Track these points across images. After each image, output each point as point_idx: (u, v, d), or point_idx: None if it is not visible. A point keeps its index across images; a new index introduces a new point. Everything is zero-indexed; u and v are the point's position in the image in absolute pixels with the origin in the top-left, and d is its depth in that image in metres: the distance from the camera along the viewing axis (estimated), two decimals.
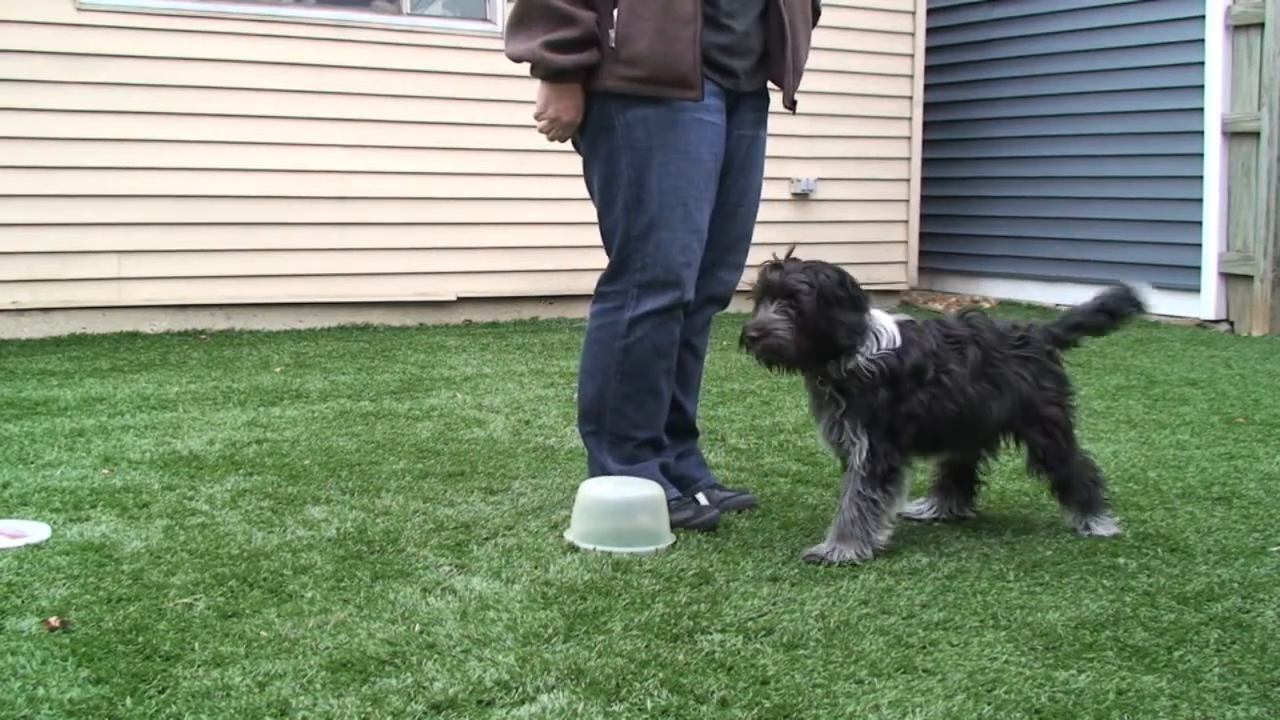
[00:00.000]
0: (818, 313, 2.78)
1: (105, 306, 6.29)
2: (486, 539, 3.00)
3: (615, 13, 2.94)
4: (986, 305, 8.59)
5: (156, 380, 5.07)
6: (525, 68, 3.01)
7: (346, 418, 4.43)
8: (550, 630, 2.40)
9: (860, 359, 2.83)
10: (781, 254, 2.90)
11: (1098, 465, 3.18)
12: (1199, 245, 7.51)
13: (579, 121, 3.06)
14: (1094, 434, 4.30)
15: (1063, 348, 3.13)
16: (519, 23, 3.00)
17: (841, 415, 2.87)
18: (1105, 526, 3.08)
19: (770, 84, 3.22)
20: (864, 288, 2.93)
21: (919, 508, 3.25)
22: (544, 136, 3.13)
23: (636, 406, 3.14)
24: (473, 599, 2.57)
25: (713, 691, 2.13)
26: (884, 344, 2.85)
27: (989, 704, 2.10)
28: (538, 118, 3.08)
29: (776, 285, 2.81)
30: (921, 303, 8.69)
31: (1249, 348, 6.58)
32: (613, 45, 2.96)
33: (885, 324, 2.89)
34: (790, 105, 3.24)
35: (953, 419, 2.91)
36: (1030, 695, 2.14)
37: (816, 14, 3.33)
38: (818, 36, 3.38)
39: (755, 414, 4.64)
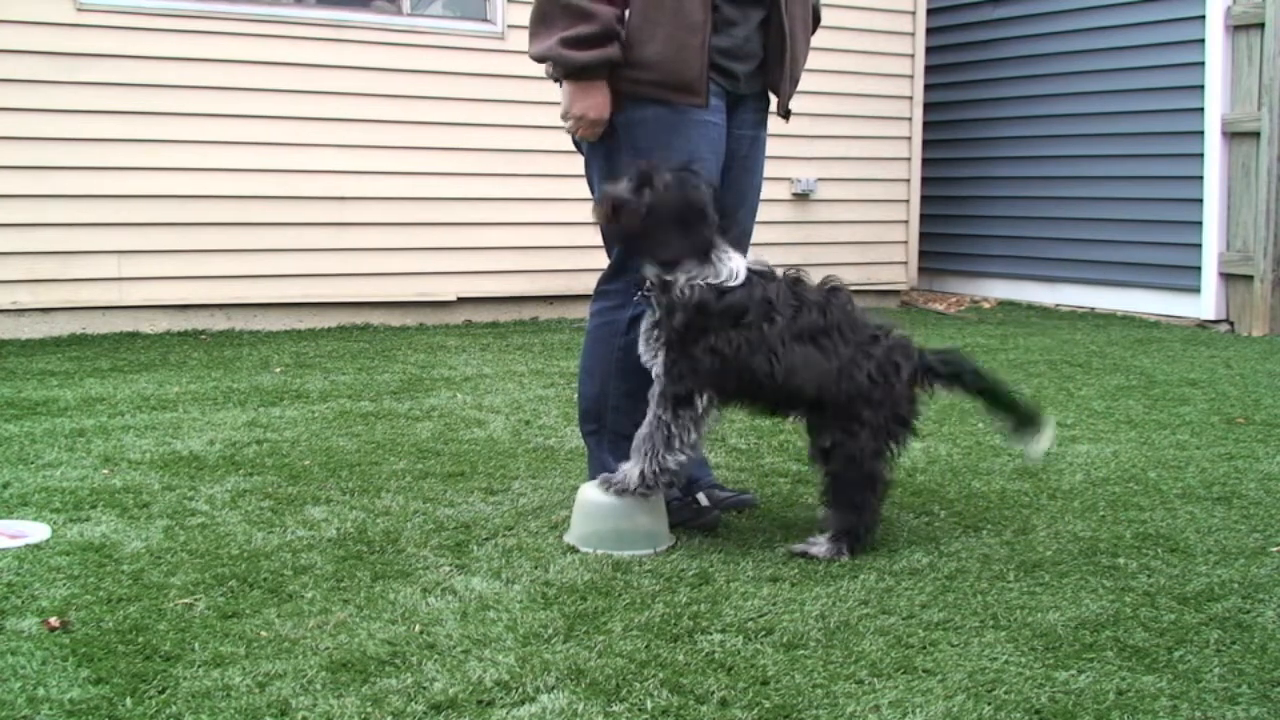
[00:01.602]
0: (648, 213, 2.80)
1: (105, 306, 6.29)
2: (486, 539, 3.00)
3: (627, 13, 2.94)
4: (986, 305, 8.59)
5: (156, 380, 5.07)
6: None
7: (346, 418, 4.43)
8: (550, 630, 2.40)
9: (680, 278, 2.83)
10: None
11: (878, 505, 2.95)
12: (1199, 245, 7.51)
13: (606, 118, 3.00)
14: (1094, 434, 4.31)
15: (924, 373, 2.96)
16: (539, 22, 2.97)
17: (653, 324, 2.89)
18: (827, 549, 2.88)
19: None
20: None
21: None
22: (569, 136, 3.08)
23: (637, 405, 3.13)
24: (473, 599, 2.57)
25: (713, 691, 2.13)
26: (721, 278, 2.83)
27: (989, 704, 2.10)
28: (564, 117, 3.03)
29: (645, 171, 2.84)
30: (921, 302, 8.69)
31: (1249, 348, 6.58)
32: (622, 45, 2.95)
33: (736, 265, 2.85)
34: (784, 115, 3.25)
35: (760, 369, 2.82)
36: (1030, 695, 2.14)
37: (816, 21, 3.33)
38: (818, 36, 3.39)
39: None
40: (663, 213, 2.81)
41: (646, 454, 2.89)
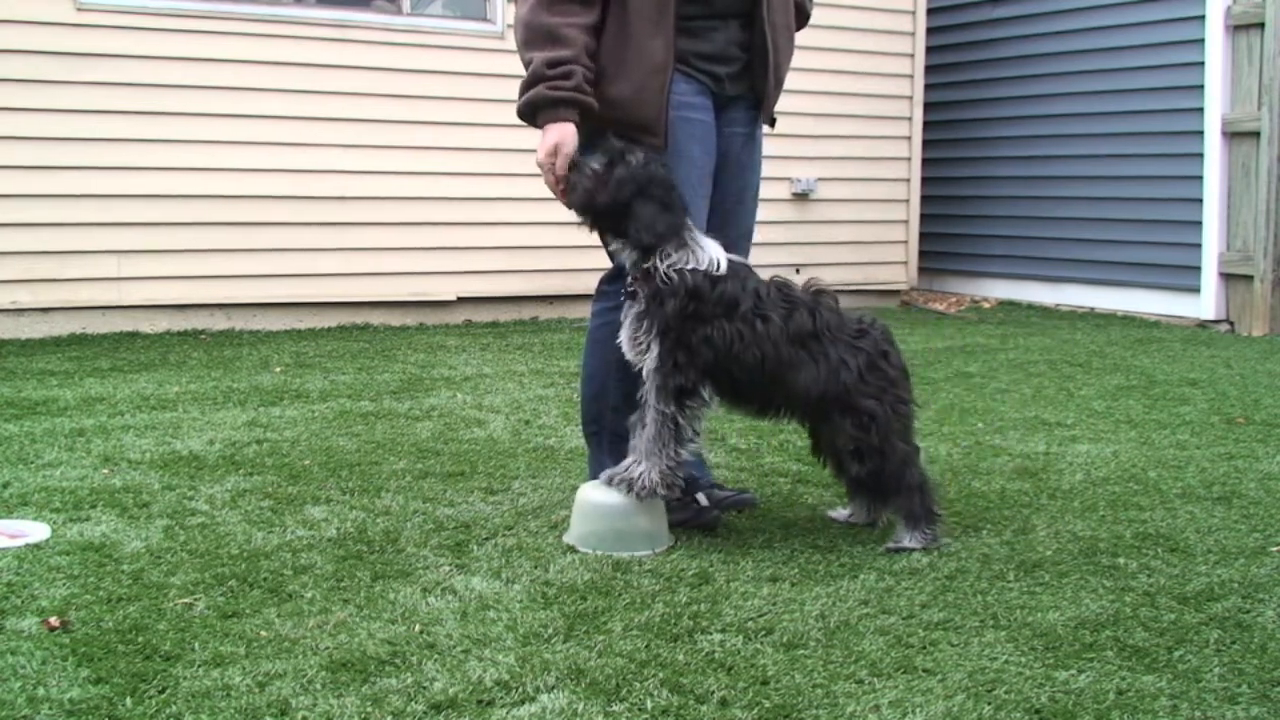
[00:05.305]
0: (620, 186, 2.78)
1: (105, 306, 6.29)
2: (486, 539, 3.00)
3: (601, 42, 2.94)
4: (987, 305, 8.59)
5: (156, 380, 5.07)
6: (524, 70, 2.99)
7: (346, 418, 4.43)
8: (550, 630, 2.40)
9: (660, 264, 2.81)
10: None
11: (927, 475, 3.03)
12: (1199, 245, 7.51)
13: (567, 151, 2.90)
14: (1094, 434, 4.31)
15: None
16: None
17: (639, 315, 2.85)
18: (915, 539, 2.94)
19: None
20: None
21: (843, 513, 3.24)
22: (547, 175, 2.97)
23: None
24: (473, 599, 2.57)
25: (713, 691, 2.13)
26: (701, 264, 2.82)
27: (989, 704, 2.10)
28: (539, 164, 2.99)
29: (615, 147, 2.83)
30: (922, 302, 8.69)
31: (1249, 348, 6.58)
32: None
33: (714, 252, 2.86)
34: (770, 122, 3.24)
35: (754, 367, 2.85)
36: (1030, 695, 2.14)
37: (805, 18, 3.32)
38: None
39: None
40: (637, 187, 2.78)
41: (659, 453, 2.86)
